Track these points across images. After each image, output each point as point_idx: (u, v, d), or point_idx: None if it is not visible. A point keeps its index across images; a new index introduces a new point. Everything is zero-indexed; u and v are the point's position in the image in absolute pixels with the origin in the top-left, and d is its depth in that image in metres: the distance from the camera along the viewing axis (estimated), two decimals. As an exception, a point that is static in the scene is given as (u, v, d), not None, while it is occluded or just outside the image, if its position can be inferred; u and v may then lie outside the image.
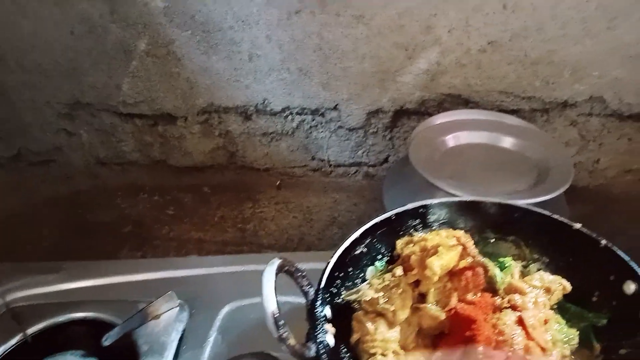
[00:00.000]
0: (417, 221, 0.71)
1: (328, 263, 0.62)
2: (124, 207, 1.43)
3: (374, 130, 1.28)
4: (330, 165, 1.38)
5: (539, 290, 0.62)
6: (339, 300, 0.64)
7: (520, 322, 0.57)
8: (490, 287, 0.62)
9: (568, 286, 0.63)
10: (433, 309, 0.60)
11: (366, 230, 0.67)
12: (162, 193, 1.44)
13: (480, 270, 0.62)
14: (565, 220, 0.67)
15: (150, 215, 1.40)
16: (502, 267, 0.65)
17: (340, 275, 0.64)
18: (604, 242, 0.63)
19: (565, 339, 0.60)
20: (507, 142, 1.01)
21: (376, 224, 0.68)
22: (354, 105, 1.24)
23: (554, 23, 1.02)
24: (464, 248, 0.63)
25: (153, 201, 1.43)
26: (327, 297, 0.61)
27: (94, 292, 0.87)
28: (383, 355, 0.58)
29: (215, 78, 1.25)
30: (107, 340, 0.74)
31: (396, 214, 0.70)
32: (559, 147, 1.12)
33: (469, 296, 0.60)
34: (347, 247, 0.65)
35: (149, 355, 0.74)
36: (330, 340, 0.57)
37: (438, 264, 0.60)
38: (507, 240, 0.71)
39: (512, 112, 1.15)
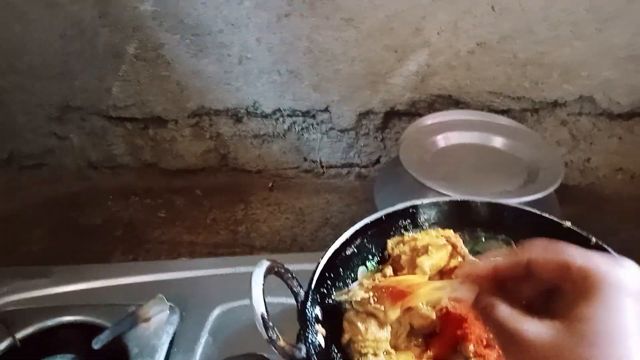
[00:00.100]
0: (408, 221, 0.71)
1: (318, 264, 0.62)
2: (115, 210, 1.42)
3: (365, 132, 1.28)
4: (322, 167, 1.38)
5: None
6: (330, 301, 0.64)
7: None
8: (481, 286, 0.62)
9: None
10: (424, 309, 0.60)
11: (356, 231, 0.67)
12: (153, 196, 1.44)
13: (470, 269, 0.62)
14: (555, 219, 0.67)
15: (142, 219, 1.39)
16: (493, 266, 0.65)
17: (331, 276, 0.64)
18: (594, 240, 0.63)
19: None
20: (498, 142, 1.02)
21: (366, 224, 0.68)
22: (345, 107, 1.24)
23: (545, 25, 1.03)
24: (454, 247, 0.63)
25: (145, 204, 1.42)
26: (318, 298, 0.61)
27: (85, 296, 0.86)
28: (374, 355, 0.58)
29: (206, 81, 1.25)
30: (97, 343, 0.74)
31: (386, 215, 0.70)
32: (550, 147, 1.13)
33: (460, 295, 0.60)
34: (338, 248, 0.65)
35: (139, 358, 0.73)
36: (320, 340, 0.57)
37: (428, 264, 0.61)
38: (497, 239, 0.71)
39: (503, 112, 1.16)
